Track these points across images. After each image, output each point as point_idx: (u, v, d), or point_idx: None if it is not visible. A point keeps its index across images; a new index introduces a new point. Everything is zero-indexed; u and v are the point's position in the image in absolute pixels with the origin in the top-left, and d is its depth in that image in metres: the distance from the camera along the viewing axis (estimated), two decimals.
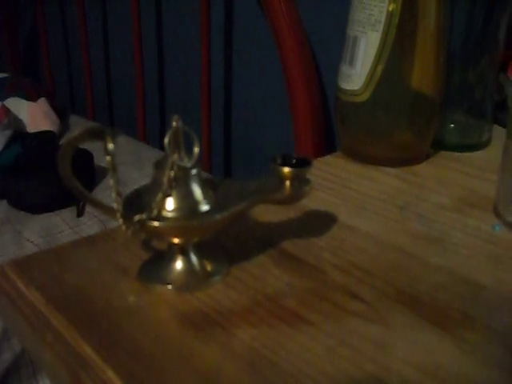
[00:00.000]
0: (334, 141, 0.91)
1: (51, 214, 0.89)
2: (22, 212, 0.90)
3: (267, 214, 0.44)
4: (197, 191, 0.34)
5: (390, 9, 0.50)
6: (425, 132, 0.56)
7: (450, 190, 0.51)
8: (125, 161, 1.05)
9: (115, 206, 0.33)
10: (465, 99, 0.60)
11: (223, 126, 1.14)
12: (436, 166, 0.56)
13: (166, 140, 0.32)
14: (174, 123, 0.32)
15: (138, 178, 0.98)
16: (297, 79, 0.82)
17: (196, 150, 0.33)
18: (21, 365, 0.73)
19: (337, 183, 0.52)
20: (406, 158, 0.56)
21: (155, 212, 0.32)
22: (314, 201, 0.47)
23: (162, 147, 1.23)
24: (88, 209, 0.89)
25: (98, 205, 0.34)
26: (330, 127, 0.90)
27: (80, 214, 0.89)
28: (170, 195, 0.33)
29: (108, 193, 0.94)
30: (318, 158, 0.57)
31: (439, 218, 0.46)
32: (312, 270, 0.38)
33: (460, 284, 0.37)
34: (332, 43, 0.86)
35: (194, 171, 0.33)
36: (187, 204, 0.33)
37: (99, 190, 0.96)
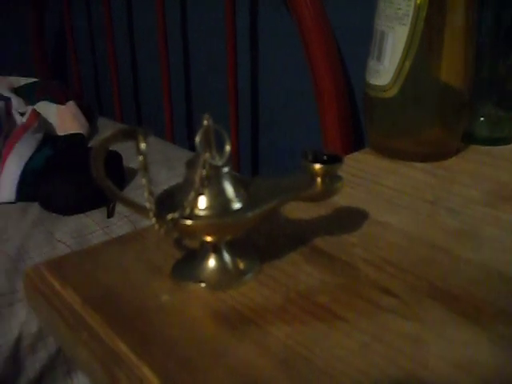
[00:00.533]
0: (362, 137, 0.91)
1: (82, 215, 0.90)
2: (54, 214, 0.91)
3: (298, 210, 0.44)
4: (229, 189, 0.34)
5: (418, 2, 0.50)
6: (454, 126, 0.55)
7: (481, 184, 0.51)
8: (153, 160, 1.05)
9: (148, 205, 0.33)
10: (495, 92, 0.60)
11: (250, 125, 1.15)
12: (466, 160, 0.56)
13: (198, 139, 0.32)
14: (205, 122, 0.32)
15: (166, 177, 0.98)
16: (323, 76, 0.82)
17: (227, 148, 0.33)
18: (56, 364, 0.74)
19: (367, 179, 0.51)
20: (435, 153, 0.56)
21: (188, 211, 0.33)
22: (345, 197, 0.47)
23: (189, 147, 1.24)
24: (118, 209, 0.90)
25: (131, 204, 0.35)
26: (358, 123, 0.90)
27: (110, 214, 0.89)
28: (202, 194, 0.33)
29: (138, 193, 0.94)
30: (347, 155, 0.57)
31: (471, 212, 0.46)
32: (344, 266, 0.38)
33: (494, 278, 0.37)
34: (357, 37, 0.85)
35: (225, 169, 0.34)
36: (219, 202, 0.33)
37: (129, 191, 0.97)
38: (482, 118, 0.60)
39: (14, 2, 1.68)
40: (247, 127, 1.15)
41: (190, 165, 0.34)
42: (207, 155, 0.32)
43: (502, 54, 0.58)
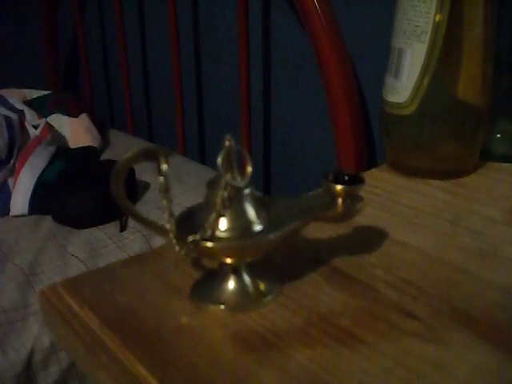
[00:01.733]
0: (375, 152, 0.90)
1: (94, 228, 0.90)
2: (66, 227, 0.91)
3: (316, 230, 0.44)
4: (250, 211, 0.33)
5: (437, 19, 0.50)
6: (472, 143, 0.55)
7: (500, 203, 0.50)
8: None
9: (168, 226, 0.33)
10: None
11: (263, 140, 1.14)
12: (485, 177, 0.55)
13: (219, 160, 0.32)
14: (227, 143, 0.32)
15: (179, 191, 0.98)
16: (337, 92, 0.82)
17: (249, 169, 0.33)
18: (68, 379, 0.74)
19: (384, 197, 0.51)
20: (453, 170, 0.55)
21: (209, 232, 0.32)
22: (363, 216, 0.47)
23: (201, 160, 1.24)
24: (131, 223, 0.90)
25: (151, 225, 0.34)
26: (371, 139, 0.90)
27: (123, 228, 0.89)
28: (223, 215, 0.33)
29: (149, 207, 0.94)
30: (364, 172, 0.57)
31: (490, 231, 0.45)
32: (365, 288, 0.38)
33: None
34: (371, 53, 0.85)
35: (247, 191, 0.33)
36: (240, 224, 0.33)
37: (141, 205, 0.97)
38: (498, 135, 0.59)
39: (26, 15, 1.69)
40: (260, 141, 1.14)
41: (211, 185, 0.33)
42: (229, 176, 0.32)
43: None
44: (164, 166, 0.32)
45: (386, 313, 0.35)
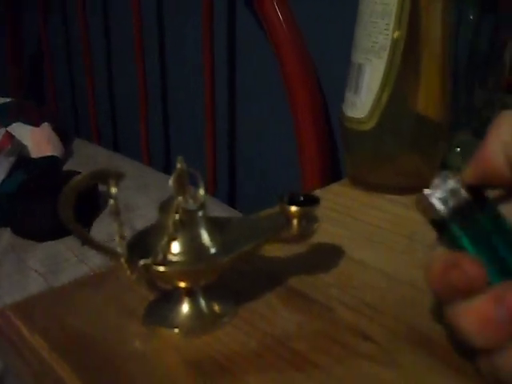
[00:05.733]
0: (340, 166, 0.90)
1: (55, 241, 0.88)
2: (26, 240, 0.89)
3: (273, 248, 0.43)
4: (203, 233, 0.33)
5: (395, 36, 0.50)
6: (432, 157, 0.55)
7: None
8: (129, 186, 1.04)
9: (119, 250, 0.32)
10: (471, 121, 0.60)
11: (228, 150, 1.14)
12: None
13: (171, 182, 0.31)
14: (179, 165, 0.31)
15: (142, 203, 0.97)
16: (301, 105, 0.82)
17: (201, 192, 0.32)
18: None
19: (343, 213, 0.51)
20: (413, 185, 0.55)
21: (161, 256, 0.32)
22: (321, 233, 0.46)
23: (165, 170, 1.23)
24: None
25: (102, 249, 0.34)
26: (336, 151, 0.90)
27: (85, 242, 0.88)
28: (175, 239, 0.32)
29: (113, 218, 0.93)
30: (324, 187, 0.56)
31: None
32: (321, 309, 0.37)
33: None
34: (336, 68, 0.85)
35: (200, 213, 0.33)
36: (193, 247, 0.33)
37: (104, 217, 0.95)
38: (458, 149, 0.60)
39: None
40: (225, 151, 1.14)
41: (163, 208, 0.33)
42: (180, 199, 0.31)
43: (478, 82, 0.59)
44: (113, 190, 0.31)
45: (342, 335, 0.35)
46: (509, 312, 0.27)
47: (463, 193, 0.30)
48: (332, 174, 0.86)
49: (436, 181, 0.30)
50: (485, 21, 0.57)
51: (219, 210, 0.95)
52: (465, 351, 0.33)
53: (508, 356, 0.27)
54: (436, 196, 0.30)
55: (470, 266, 0.28)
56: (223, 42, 1.06)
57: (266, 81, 1.01)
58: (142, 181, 1.06)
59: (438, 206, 0.30)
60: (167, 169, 1.28)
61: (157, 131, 1.29)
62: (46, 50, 1.48)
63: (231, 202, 1.16)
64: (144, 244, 0.33)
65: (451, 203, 0.30)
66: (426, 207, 0.31)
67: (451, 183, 0.30)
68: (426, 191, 0.31)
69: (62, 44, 1.55)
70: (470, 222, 0.29)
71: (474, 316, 0.28)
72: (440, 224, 0.31)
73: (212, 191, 1.09)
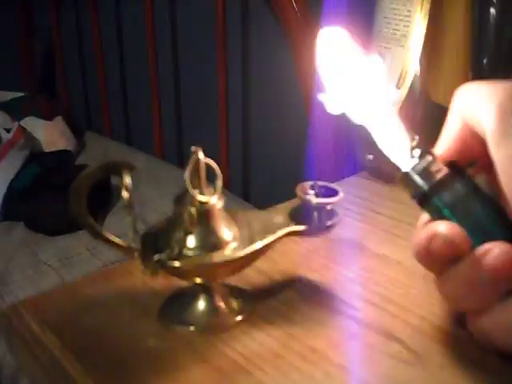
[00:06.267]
0: (355, 157, 0.89)
1: (68, 236, 0.88)
2: (39, 234, 0.89)
3: (292, 243, 0.42)
4: (220, 227, 0.32)
5: (417, 23, 0.48)
6: None
7: None
8: (141, 179, 1.03)
9: (133, 244, 0.31)
10: None
11: (241, 142, 1.12)
12: None
13: (187, 174, 0.30)
14: (195, 156, 0.30)
15: (155, 197, 0.96)
16: (317, 99, 0.80)
17: (219, 183, 0.31)
18: None
19: (363, 207, 0.49)
20: None
21: (176, 251, 0.30)
22: (342, 227, 0.45)
23: (178, 164, 1.22)
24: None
25: (115, 244, 0.32)
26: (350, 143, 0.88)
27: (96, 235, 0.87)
28: (191, 232, 0.31)
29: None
30: (343, 180, 0.55)
31: None
32: (342, 306, 0.36)
33: None
34: None
35: (218, 206, 0.31)
36: (210, 241, 0.31)
37: (117, 210, 0.95)
38: None
39: (1, 16, 1.65)
40: (239, 143, 1.13)
41: (179, 201, 0.31)
42: (197, 191, 0.30)
43: (502, 69, 0.57)
44: (127, 180, 0.30)
45: (364, 333, 0.33)
46: (488, 273, 0.28)
47: (441, 166, 0.31)
48: (347, 167, 0.84)
49: (414, 157, 0.31)
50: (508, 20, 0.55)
51: (232, 203, 0.93)
52: (485, 349, 0.31)
53: (496, 315, 0.28)
54: (415, 171, 0.31)
55: (450, 231, 0.29)
56: (237, 34, 1.05)
57: (280, 73, 0.99)
58: (154, 174, 1.05)
59: (419, 181, 0.31)
60: (180, 162, 1.27)
61: (169, 124, 1.28)
62: (57, 43, 1.47)
63: (244, 195, 1.14)
64: (158, 238, 0.32)
65: (430, 177, 0.31)
66: (407, 184, 0.31)
67: (428, 158, 0.31)
68: (405, 168, 0.31)
69: (74, 38, 1.54)
70: (449, 193, 0.30)
71: (458, 281, 0.29)
72: (422, 198, 0.31)
73: (225, 184, 1.08)
